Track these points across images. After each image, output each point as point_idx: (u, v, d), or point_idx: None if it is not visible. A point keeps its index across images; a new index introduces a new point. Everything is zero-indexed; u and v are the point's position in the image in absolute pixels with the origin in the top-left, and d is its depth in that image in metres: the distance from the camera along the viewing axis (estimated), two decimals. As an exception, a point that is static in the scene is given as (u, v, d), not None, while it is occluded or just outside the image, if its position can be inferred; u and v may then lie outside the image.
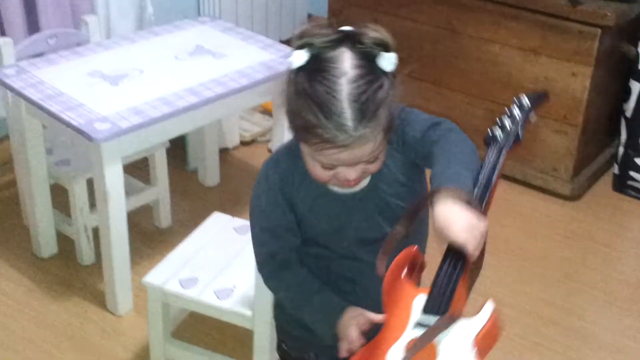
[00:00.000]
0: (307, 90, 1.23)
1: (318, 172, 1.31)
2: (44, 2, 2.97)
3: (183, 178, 3.17)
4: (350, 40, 1.25)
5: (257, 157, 3.36)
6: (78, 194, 2.58)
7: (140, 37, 2.84)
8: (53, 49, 2.71)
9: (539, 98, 1.53)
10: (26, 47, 2.68)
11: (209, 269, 2.16)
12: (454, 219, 1.19)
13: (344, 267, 1.47)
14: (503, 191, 3.21)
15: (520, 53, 3.07)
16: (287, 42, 2.66)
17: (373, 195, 1.40)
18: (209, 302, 2.06)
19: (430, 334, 1.20)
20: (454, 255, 1.23)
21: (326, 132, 1.21)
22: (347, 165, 1.27)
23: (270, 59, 2.69)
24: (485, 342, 1.20)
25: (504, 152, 1.41)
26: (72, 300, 2.54)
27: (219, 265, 2.17)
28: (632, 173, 3.18)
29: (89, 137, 2.22)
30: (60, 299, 2.54)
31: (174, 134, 2.53)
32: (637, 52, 3.04)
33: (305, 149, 1.30)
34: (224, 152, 3.31)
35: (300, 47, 1.26)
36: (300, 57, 1.25)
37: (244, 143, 3.45)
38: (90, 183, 2.48)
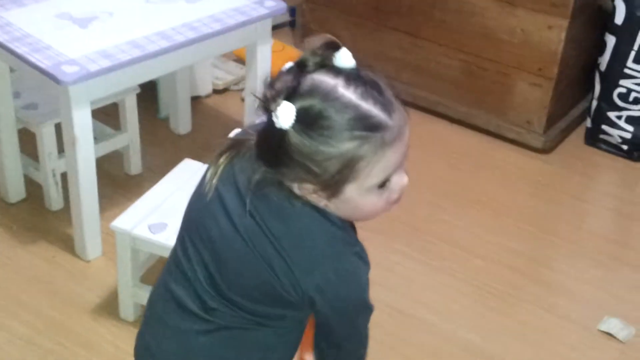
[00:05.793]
0: (325, 129, 1.10)
1: (377, 203, 1.18)
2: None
3: (154, 125, 3.13)
4: (303, 65, 1.14)
5: (230, 106, 3.32)
6: (46, 139, 2.54)
7: (111, -21, 2.77)
8: (21, -10, 2.64)
9: None
10: (-8, -13, 2.61)
11: (178, 214, 2.13)
12: None
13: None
14: (477, 143, 3.21)
15: (497, 4, 3.03)
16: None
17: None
18: (178, 247, 2.05)
19: None
20: None
21: (384, 133, 1.11)
22: (400, 165, 1.17)
23: (244, 4, 2.64)
24: None
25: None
26: (40, 245, 2.52)
27: (188, 211, 2.14)
28: (604, 127, 3.19)
29: (56, 80, 2.18)
30: (28, 244, 2.52)
31: (144, 78, 2.50)
32: (614, 5, 3.03)
33: (352, 192, 1.15)
34: (196, 100, 3.26)
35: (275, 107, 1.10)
36: (287, 111, 1.09)
37: (216, 91, 3.41)
38: (58, 128, 2.44)
